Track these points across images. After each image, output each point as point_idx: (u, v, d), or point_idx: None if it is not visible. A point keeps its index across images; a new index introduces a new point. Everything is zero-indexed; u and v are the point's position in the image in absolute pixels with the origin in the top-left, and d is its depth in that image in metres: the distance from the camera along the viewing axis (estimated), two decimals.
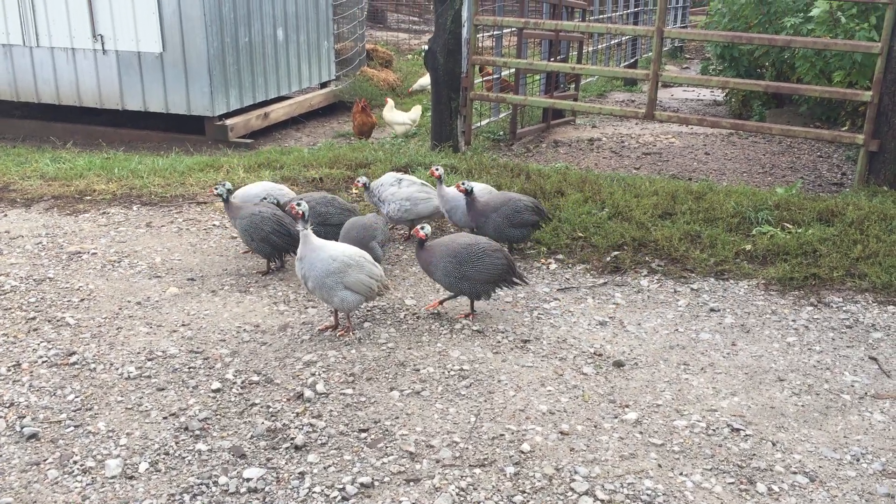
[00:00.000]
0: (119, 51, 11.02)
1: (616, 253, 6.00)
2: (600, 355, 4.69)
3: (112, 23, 10.91)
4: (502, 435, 3.92)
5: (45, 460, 3.75)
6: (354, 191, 6.85)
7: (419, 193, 6.09)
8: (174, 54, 10.85)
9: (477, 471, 3.68)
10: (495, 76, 10.62)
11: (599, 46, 14.11)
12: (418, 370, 4.50)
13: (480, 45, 9.96)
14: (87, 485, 3.60)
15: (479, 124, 9.88)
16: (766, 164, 9.44)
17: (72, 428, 3.98)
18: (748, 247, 6.02)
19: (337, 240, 5.16)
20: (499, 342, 4.83)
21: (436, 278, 4.99)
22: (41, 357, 4.62)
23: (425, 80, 13.31)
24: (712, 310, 5.29)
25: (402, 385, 4.36)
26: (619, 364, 4.59)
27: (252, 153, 9.20)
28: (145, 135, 11.35)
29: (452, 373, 4.47)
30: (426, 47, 9.27)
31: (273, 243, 5.51)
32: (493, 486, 3.57)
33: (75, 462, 3.74)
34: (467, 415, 4.10)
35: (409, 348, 4.73)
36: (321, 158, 8.18)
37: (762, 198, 6.82)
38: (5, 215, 6.92)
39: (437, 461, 3.74)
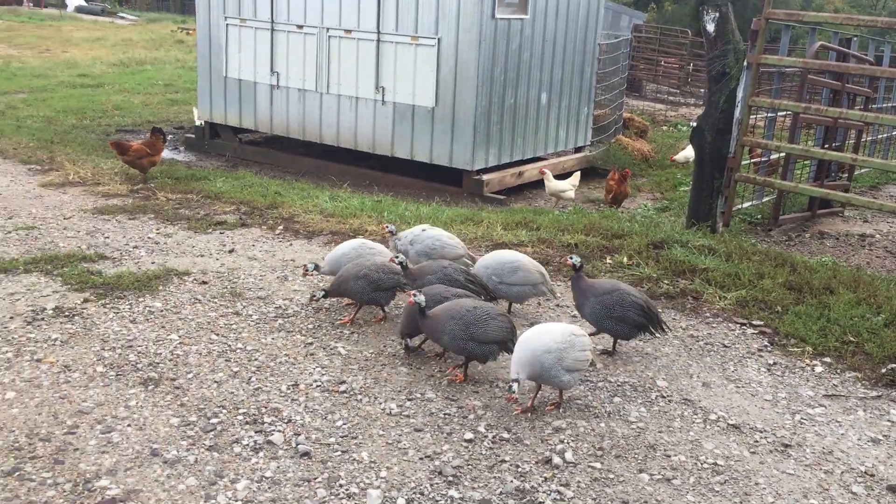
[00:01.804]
0: (396, 102, 11.93)
1: (893, 365, 5.52)
2: (872, 476, 4.32)
3: (394, 77, 11.85)
4: None
5: (315, 479, 4.09)
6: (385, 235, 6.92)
7: (447, 239, 6.44)
8: (444, 110, 11.55)
9: None
10: (764, 159, 10.24)
11: (879, 136, 13.18)
12: (669, 456, 4.40)
13: (751, 125, 9.67)
14: None
15: (739, 206, 9.57)
16: None
17: (339, 452, 4.31)
18: None
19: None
20: (756, 441, 4.60)
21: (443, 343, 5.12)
22: (315, 381, 5.05)
23: (689, 152, 13.12)
24: None
25: (652, 469, 4.28)
26: (893, 489, 4.20)
27: (507, 210, 9.53)
28: (409, 182, 12.13)
29: (706, 465, 4.32)
30: (693, 123, 9.16)
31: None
32: None
33: (341, 486, 4.04)
34: None
35: (659, 431, 4.64)
36: (576, 224, 8.30)
37: None
38: (291, 244, 7.68)
39: None
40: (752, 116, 9.21)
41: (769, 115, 10.30)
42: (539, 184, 12.54)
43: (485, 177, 11.82)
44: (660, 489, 4.11)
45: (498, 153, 12.08)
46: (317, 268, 6.21)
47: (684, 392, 5.12)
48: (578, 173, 11.55)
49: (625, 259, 7.28)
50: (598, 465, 4.29)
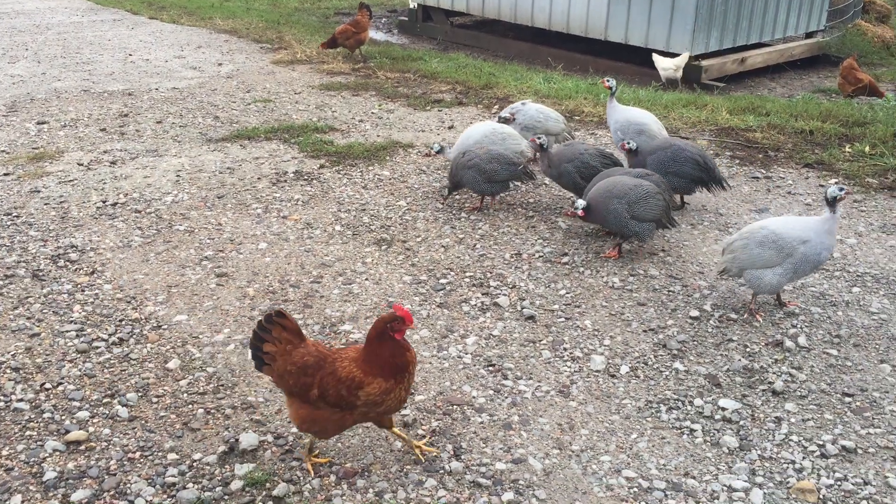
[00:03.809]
0: None
1: None
2: None
3: None
4: None
5: (539, 340, 4.22)
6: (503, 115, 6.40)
7: (550, 112, 6.39)
8: None
9: None
10: None
11: None
12: None
13: None
14: (575, 371, 3.97)
15: None
16: None
17: (563, 319, 4.41)
18: None
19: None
20: None
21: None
22: (538, 252, 5.15)
23: None
24: None
25: (895, 360, 4.05)
26: None
27: (730, 97, 9.01)
28: (621, 66, 11.70)
29: None
30: None
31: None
32: None
33: (565, 349, 4.15)
34: None
35: None
36: (811, 110, 7.71)
37: None
38: None
39: None
40: None
41: None
42: (763, 72, 11.71)
43: (704, 62, 11.15)
44: None
45: (720, 37, 11.31)
46: (441, 150, 5.89)
47: None
48: (687, 54, 10.64)
49: (867, 148, 6.71)
50: (833, 352, 4.11)
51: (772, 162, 6.64)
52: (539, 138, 5.52)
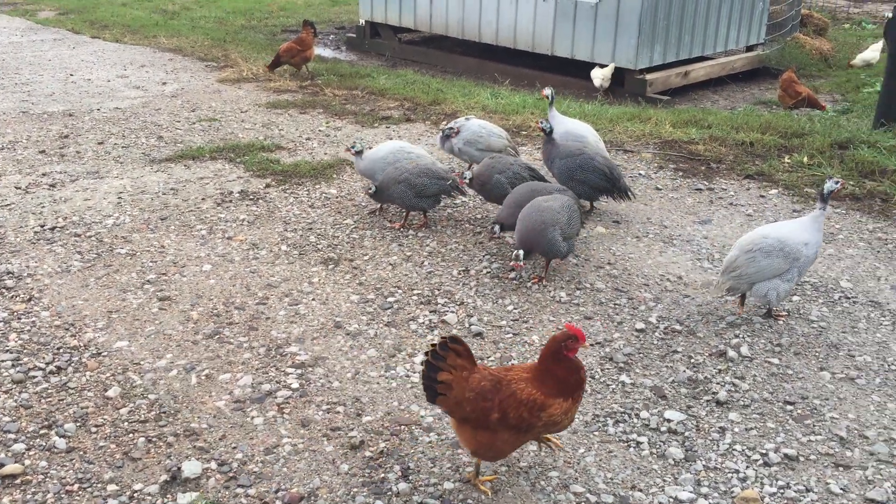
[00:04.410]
0: None
1: None
2: None
3: None
4: None
5: (487, 357, 4.22)
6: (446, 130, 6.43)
7: (493, 128, 6.37)
8: (609, 6, 11.09)
9: None
10: None
11: None
12: (853, 356, 4.22)
13: None
14: None
15: None
16: None
17: (511, 335, 4.42)
18: None
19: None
20: None
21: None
22: (485, 268, 5.15)
23: (868, 55, 12.07)
24: None
25: (834, 367, 4.13)
26: None
27: (673, 110, 9.16)
28: (568, 81, 11.83)
29: (894, 367, 4.13)
30: (888, 15, 8.38)
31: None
32: None
33: (513, 364, 4.15)
34: None
35: (843, 332, 4.45)
36: (752, 122, 7.88)
37: None
38: None
39: (872, 454, 3.51)
40: None
41: None
42: (705, 85, 11.94)
43: (648, 76, 11.34)
44: (842, 387, 3.97)
45: (663, 52, 11.52)
46: (359, 153, 5.83)
47: (871, 294, 4.86)
48: (612, 66, 10.99)
49: (805, 158, 6.88)
50: (775, 360, 4.19)
51: (714, 174, 6.76)
52: (463, 176, 5.59)
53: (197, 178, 6.53)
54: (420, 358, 4.17)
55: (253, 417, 3.73)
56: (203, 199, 6.11)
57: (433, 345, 3.13)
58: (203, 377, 4.02)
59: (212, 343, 4.31)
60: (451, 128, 6.29)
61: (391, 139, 7.49)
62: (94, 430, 3.60)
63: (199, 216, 5.81)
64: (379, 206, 5.89)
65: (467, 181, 5.58)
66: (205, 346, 4.28)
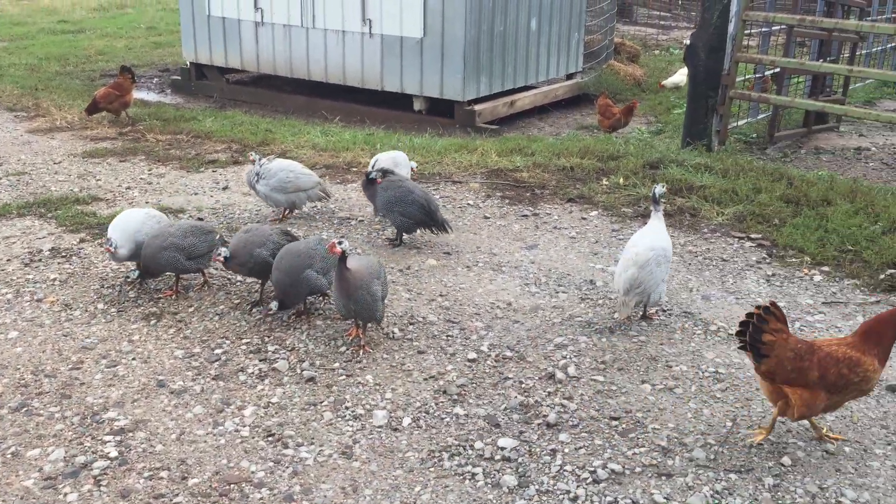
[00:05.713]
0: (384, 34, 11.69)
1: (892, 271, 5.54)
2: None
3: (380, 9, 11.59)
4: (762, 444, 3.78)
5: (321, 402, 4.13)
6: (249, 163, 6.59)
7: (301, 169, 6.38)
8: (433, 40, 11.34)
9: (733, 476, 3.59)
10: (758, 75, 10.11)
11: (874, 49, 12.98)
12: (671, 367, 4.44)
13: (746, 42, 9.51)
14: (357, 430, 3.91)
15: (734, 125, 9.48)
16: None
17: (344, 376, 4.34)
18: None
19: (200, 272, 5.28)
20: None
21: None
22: (317, 310, 5.06)
23: (676, 78, 12.95)
24: None
25: (654, 379, 4.33)
26: (892, 389, 4.26)
27: (500, 139, 9.44)
28: (400, 115, 11.96)
29: (707, 374, 4.37)
30: (687, 42, 9.03)
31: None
32: (751, 495, 3.47)
33: (347, 408, 4.08)
34: (722, 418, 4.00)
35: (661, 344, 4.68)
36: (572, 148, 8.23)
37: None
38: None
39: (691, 460, 3.69)
40: (745, 35, 9.05)
41: (764, 30, 10.14)
42: (531, 113, 12.41)
43: (477, 107, 11.66)
44: (662, 398, 4.16)
45: (489, 83, 11.90)
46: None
47: (684, 305, 5.15)
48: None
49: (620, 180, 7.25)
50: (600, 378, 4.34)
51: (538, 199, 6.99)
52: (219, 253, 4.91)
53: (2, 237, 6.06)
54: (251, 409, 4.01)
55: (66, 494, 3.46)
56: (8, 259, 5.67)
57: (757, 308, 3.57)
58: (9, 455, 3.69)
59: (19, 417, 3.97)
60: (257, 173, 6.17)
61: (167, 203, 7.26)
62: None
63: (3, 279, 5.38)
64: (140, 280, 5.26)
65: (222, 259, 4.90)
66: (10, 420, 3.94)
